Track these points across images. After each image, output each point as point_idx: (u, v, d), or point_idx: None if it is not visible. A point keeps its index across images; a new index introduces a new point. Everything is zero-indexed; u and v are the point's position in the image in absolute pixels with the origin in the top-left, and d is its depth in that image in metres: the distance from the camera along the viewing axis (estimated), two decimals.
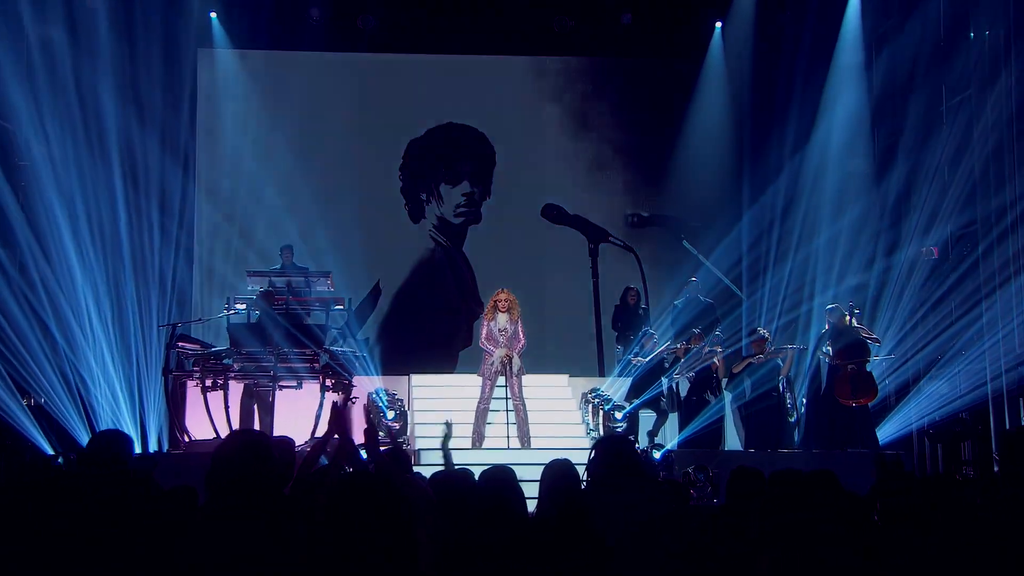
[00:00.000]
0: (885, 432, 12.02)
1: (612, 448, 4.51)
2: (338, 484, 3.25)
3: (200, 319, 12.41)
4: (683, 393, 11.93)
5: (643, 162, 15.23)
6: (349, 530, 3.07)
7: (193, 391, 10.45)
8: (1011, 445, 4.58)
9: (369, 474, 3.69)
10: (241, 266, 13.06)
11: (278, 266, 12.83)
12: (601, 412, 11.40)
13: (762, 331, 12.01)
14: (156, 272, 12.73)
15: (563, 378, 12.99)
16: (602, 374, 13.68)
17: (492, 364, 10.99)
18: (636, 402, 11.62)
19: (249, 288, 11.85)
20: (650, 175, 15.15)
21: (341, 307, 12.21)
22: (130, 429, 11.79)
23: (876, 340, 11.45)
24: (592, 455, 4.54)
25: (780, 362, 11.49)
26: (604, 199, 15.24)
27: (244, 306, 11.57)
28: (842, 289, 13.17)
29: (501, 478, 3.97)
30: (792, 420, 11.76)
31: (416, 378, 12.74)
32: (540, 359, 13.53)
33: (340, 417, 5.26)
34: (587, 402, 12.04)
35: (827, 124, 14.14)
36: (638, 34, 14.79)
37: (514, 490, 3.91)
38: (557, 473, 4.17)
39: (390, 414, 10.95)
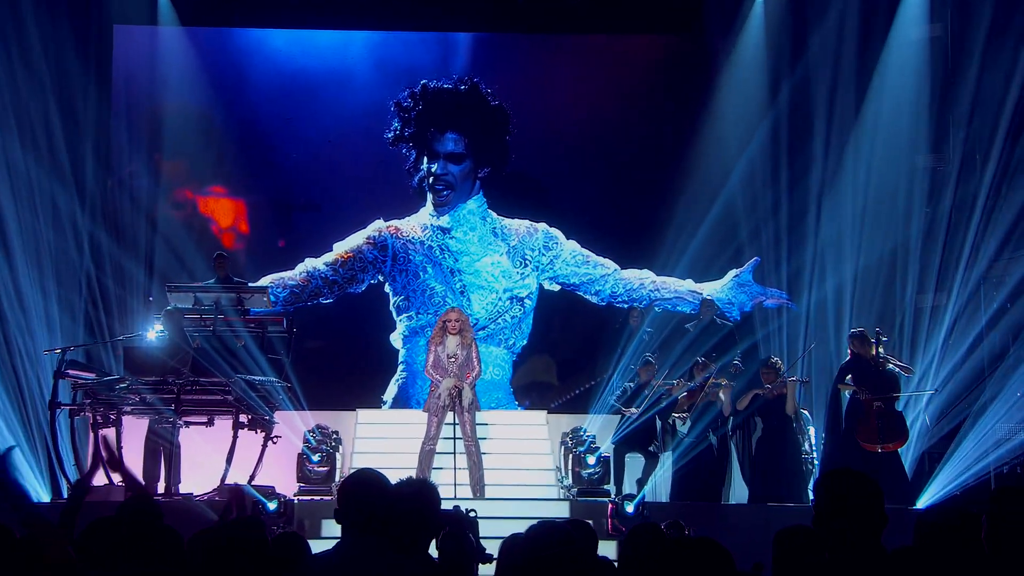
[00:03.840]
0: (937, 487, 11.23)
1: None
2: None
3: (96, 342, 12.01)
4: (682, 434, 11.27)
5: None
6: None
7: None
8: None
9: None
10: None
11: (211, 280, 12.41)
12: (572, 456, 10.78)
13: (773, 360, 11.31)
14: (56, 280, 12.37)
15: (540, 415, 12.61)
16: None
17: (439, 397, 10.49)
18: (611, 442, 11.17)
19: (168, 307, 11.43)
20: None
21: (280, 328, 11.76)
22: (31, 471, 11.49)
23: (908, 370, 10.77)
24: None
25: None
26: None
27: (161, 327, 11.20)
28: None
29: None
30: (809, 467, 11.06)
31: (364, 414, 12.35)
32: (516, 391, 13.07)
33: (110, 454, 5.46)
34: (563, 444, 11.43)
35: (878, 112, 13.38)
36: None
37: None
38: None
39: (315, 457, 10.44)
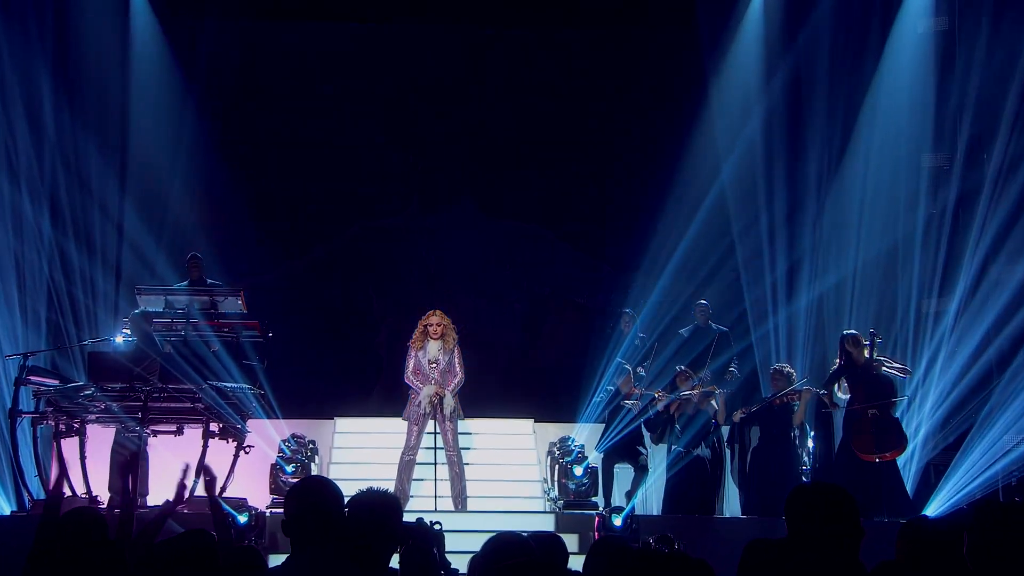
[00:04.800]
0: (943, 499, 11.11)
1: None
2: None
3: (59, 347, 11.85)
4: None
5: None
6: None
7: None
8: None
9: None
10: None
11: (184, 282, 12.28)
12: (558, 466, 10.65)
13: (784, 366, 11.15)
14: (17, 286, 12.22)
15: (527, 423, 12.50)
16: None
17: (419, 405, 10.37)
18: (597, 451, 11.06)
19: (138, 310, 11.29)
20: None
21: (255, 332, 11.62)
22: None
23: (905, 371, 10.61)
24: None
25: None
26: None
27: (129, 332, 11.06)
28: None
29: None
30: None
31: (342, 422, 12.27)
32: (501, 399, 12.91)
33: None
34: (549, 454, 11.30)
35: (879, 108, 13.28)
36: None
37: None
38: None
39: (289, 468, 10.30)
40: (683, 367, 11.24)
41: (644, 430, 11.17)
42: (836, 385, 10.60)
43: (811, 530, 3.44)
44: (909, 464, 11.20)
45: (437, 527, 4.14)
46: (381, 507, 3.83)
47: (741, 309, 13.57)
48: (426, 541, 4.01)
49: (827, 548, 3.40)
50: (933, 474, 11.47)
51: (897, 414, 10.65)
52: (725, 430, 11.21)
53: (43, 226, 12.52)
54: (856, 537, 3.44)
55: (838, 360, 10.70)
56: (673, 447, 10.83)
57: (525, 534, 4.29)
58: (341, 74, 14.49)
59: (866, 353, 10.48)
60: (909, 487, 10.94)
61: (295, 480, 10.46)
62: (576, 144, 14.58)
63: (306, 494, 3.85)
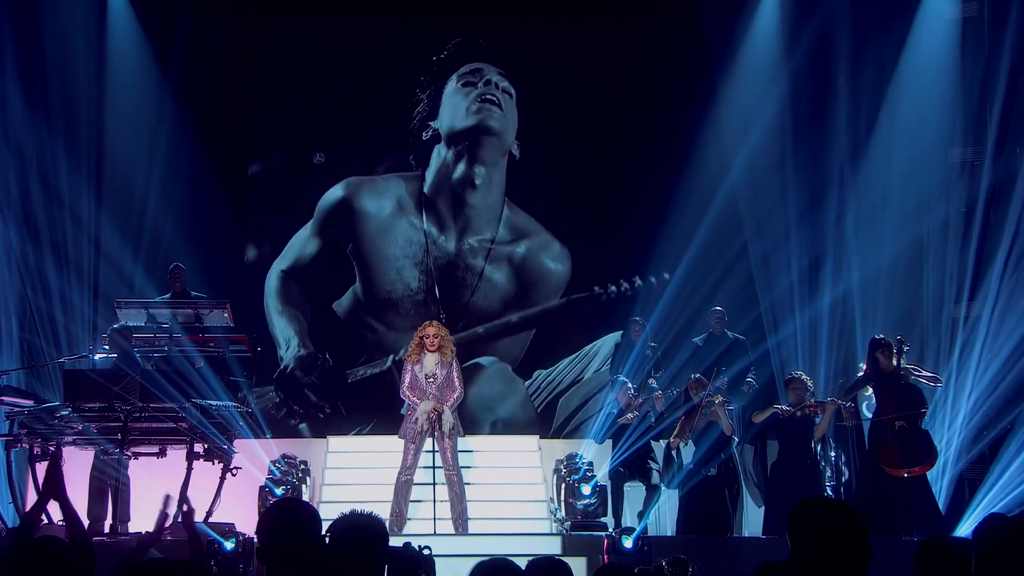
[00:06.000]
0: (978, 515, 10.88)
1: None
2: None
3: (33, 365, 11.70)
4: (686, 460, 10.90)
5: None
6: None
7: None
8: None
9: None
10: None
11: (167, 295, 12.11)
12: (565, 485, 10.46)
13: (802, 375, 10.92)
14: None
15: (531, 440, 12.43)
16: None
17: (416, 422, 10.18)
18: (608, 468, 10.87)
19: (118, 325, 11.12)
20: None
21: (243, 347, 11.46)
22: None
23: (936, 380, 10.40)
24: None
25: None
26: None
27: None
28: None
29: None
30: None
31: (335, 441, 12.16)
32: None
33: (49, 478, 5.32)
34: (556, 472, 11.11)
35: (904, 99, 13.09)
36: None
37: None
38: None
39: (278, 490, 10.13)
40: (698, 374, 11.01)
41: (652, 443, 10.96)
42: (859, 397, 10.41)
43: (815, 549, 3.36)
44: (939, 478, 10.99)
45: (427, 552, 3.99)
46: (365, 531, 3.69)
47: (756, 314, 13.35)
48: (414, 567, 3.88)
49: (832, 569, 3.32)
50: (967, 488, 11.23)
51: (926, 425, 10.42)
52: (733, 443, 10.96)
53: (11, 237, 12.38)
54: (864, 557, 3.34)
55: (864, 367, 10.48)
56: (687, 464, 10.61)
57: (529, 559, 4.15)
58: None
59: (894, 361, 10.28)
60: (941, 503, 10.73)
61: None
62: (578, 139, 14.38)
63: (280, 518, 3.67)
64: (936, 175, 12.88)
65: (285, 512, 3.81)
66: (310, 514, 3.78)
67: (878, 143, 13.10)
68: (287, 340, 13.72)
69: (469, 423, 12.64)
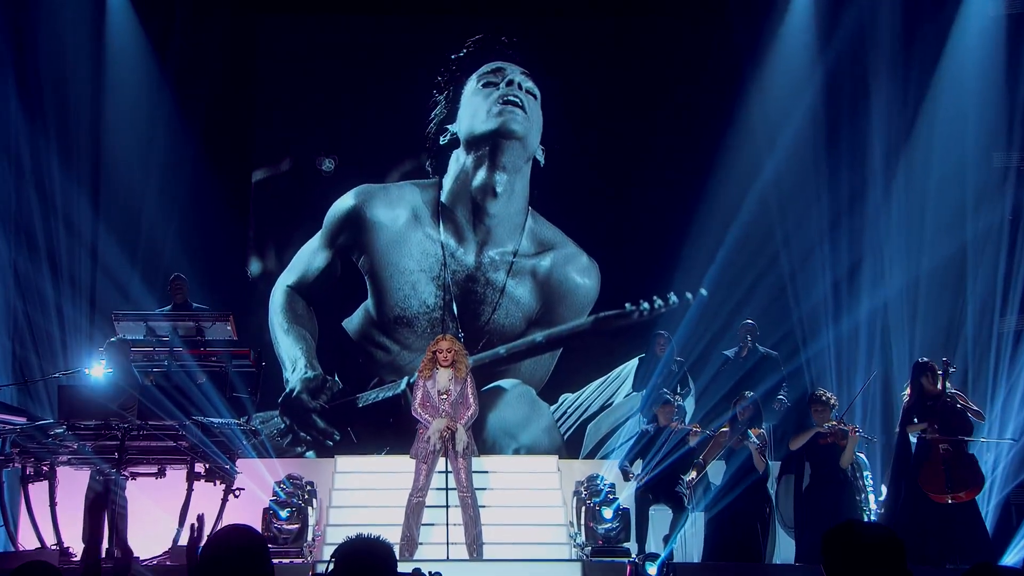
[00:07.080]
0: None
1: None
2: None
3: (27, 380, 11.61)
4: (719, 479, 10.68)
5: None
6: None
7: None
8: None
9: None
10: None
11: (167, 307, 12.02)
12: (585, 508, 10.29)
13: (825, 394, 10.67)
14: None
15: (550, 460, 12.31)
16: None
17: (428, 440, 10.09)
18: (633, 489, 10.66)
19: (115, 338, 11.02)
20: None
21: (246, 361, 11.36)
22: None
23: (979, 415, 10.24)
24: None
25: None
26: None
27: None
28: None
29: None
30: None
31: (344, 461, 12.10)
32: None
33: None
34: (576, 494, 10.92)
35: (942, 101, 13.02)
36: None
37: None
38: None
39: (283, 513, 9.96)
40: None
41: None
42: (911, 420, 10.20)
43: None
44: (985, 503, 10.76)
45: None
46: (371, 556, 3.69)
47: (788, 328, 13.18)
48: None
49: None
50: (1014, 514, 11.00)
51: (972, 448, 10.22)
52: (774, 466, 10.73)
53: (1, 245, 12.31)
54: None
55: (907, 393, 10.26)
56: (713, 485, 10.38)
57: None
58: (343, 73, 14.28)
59: (939, 384, 10.07)
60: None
61: (291, 527, 10.18)
62: (605, 144, 14.25)
63: (230, 539, 3.73)
64: (979, 180, 12.77)
65: (233, 535, 3.79)
66: (254, 537, 3.78)
67: (917, 147, 13.03)
68: (293, 361, 13.59)
69: (490, 449, 12.56)
